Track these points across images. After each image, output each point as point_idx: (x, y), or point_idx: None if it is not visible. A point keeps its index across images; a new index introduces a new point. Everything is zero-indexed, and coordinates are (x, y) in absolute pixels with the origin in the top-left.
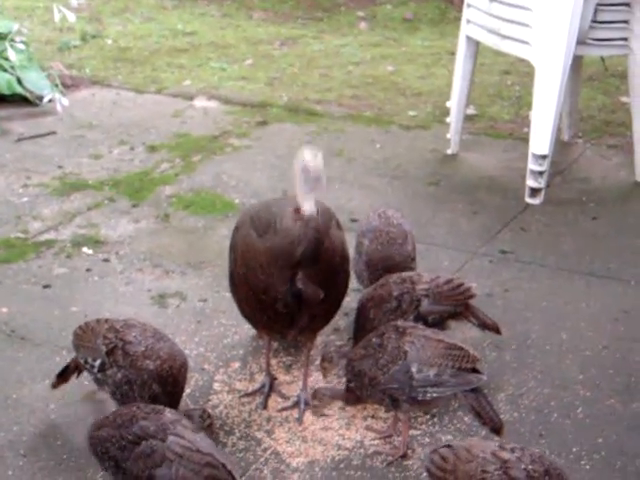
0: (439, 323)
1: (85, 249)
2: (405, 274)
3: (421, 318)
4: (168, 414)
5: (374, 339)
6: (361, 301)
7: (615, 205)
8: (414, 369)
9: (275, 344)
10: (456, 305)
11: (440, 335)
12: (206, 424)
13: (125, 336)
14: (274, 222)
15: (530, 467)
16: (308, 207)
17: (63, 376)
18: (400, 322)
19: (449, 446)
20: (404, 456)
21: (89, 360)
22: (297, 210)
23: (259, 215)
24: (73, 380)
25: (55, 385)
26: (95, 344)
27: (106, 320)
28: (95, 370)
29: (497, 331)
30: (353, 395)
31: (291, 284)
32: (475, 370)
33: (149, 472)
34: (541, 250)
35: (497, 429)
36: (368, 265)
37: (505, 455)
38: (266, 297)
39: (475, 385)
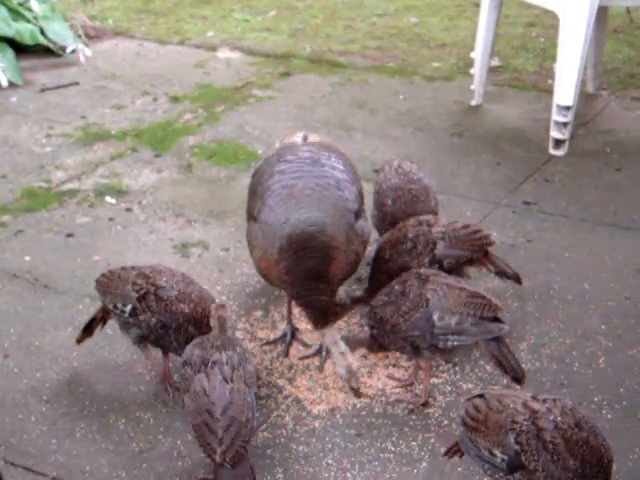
0: (455, 268)
1: (108, 198)
2: (422, 217)
3: (436, 262)
4: (223, 354)
5: (396, 286)
6: (379, 243)
7: (639, 157)
8: (435, 317)
9: None
10: (473, 251)
11: (462, 283)
12: None
13: (156, 281)
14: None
15: (559, 419)
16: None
17: (88, 330)
18: (423, 270)
19: (482, 396)
20: (425, 404)
21: (119, 306)
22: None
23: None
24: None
25: (80, 340)
26: (124, 290)
27: (132, 267)
28: (126, 315)
29: (517, 280)
30: (376, 343)
31: None
32: (497, 319)
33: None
34: (564, 201)
35: (518, 378)
36: (393, 225)
37: (536, 406)
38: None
39: (497, 334)
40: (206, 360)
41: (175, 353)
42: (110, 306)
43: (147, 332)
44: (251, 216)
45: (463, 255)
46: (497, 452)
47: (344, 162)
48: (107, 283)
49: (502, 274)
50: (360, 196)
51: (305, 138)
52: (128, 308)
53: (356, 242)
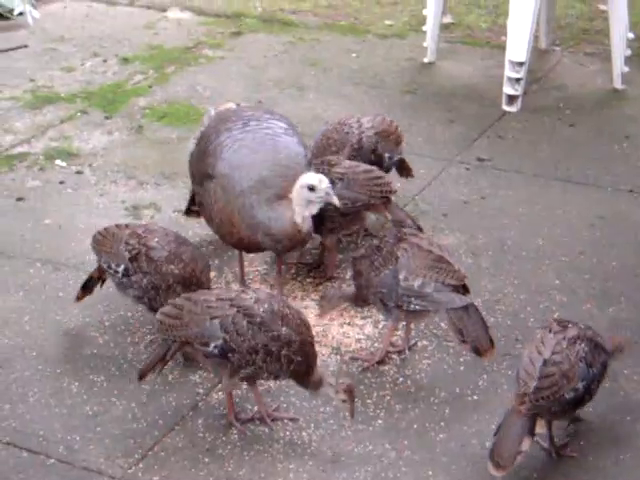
0: (353, 212)
1: (58, 162)
2: (327, 157)
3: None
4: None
5: (375, 240)
6: None
7: (592, 112)
8: (401, 276)
9: (250, 254)
10: (371, 196)
11: (434, 246)
12: None
13: (148, 241)
14: (268, 221)
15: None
16: (306, 226)
17: (87, 287)
18: (407, 229)
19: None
20: (381, 362)
21: (112, 265)
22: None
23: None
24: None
25: (80, 297)
26: (117, 250)
27: (127, 225)
28: (119, 275)
29: (419, 228)
30: (360, 297)
31: None
32: (465, 287)
33: None
34: (518, 157)
35: (478, 351)
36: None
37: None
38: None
39: (458, 305)
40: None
41: None
42: (105, 266)
43: (141, 293)
44: (205, 175)
45: (359, 198)
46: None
47: (284, 118)
48: (102, 241)
49: (399, 224)
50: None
51: (238, 105)
52: (121, 268)
53: None
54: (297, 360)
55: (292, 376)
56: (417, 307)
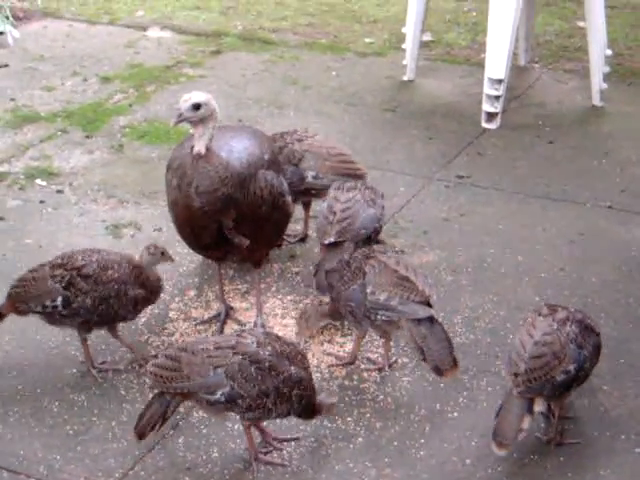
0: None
1: (39, 181)
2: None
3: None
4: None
5: (346, 255)
6: None
7: (571, 129)
8: (368, 290)
9: (231, 272)
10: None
11: (400, 265)
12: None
13: (74, 264)
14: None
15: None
16: (197, 147)
17: None
18: (376, 246)
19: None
20: (350, 364)
21: (47, 303)
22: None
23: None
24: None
25: None
26: (45, 287)
27: (41, 265)
28: (59, 308)
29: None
30: (337, 311)
31: (218, 233)
32: (428, 304)
33: None
34: (497, 174)
35: (439, 370)
36: None
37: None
38: (198, 242)
39: (421, 316)
40: None
41: (128, 320)
42: (38, 309)
43: (88, 315)
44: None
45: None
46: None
47: (253, 129)
48: (23, 291)
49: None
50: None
51: None
52: (59, 301)
53: (263, 190)
54: (307, 395)
55: (300, 412)
56: (383, 318)
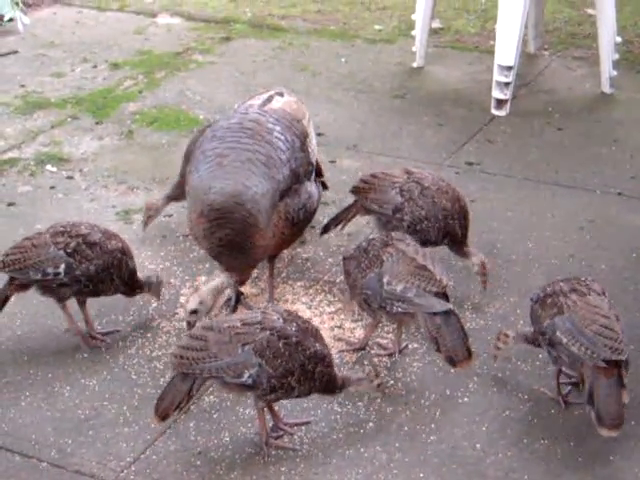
0: None
1: (49, 167)
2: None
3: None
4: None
5: (363, 243)
6: None
7: (580, 116)
8: (385, 280)
9: None
10: None
11: (419, 254)
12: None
13: (79, 231)
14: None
15: None
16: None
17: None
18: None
19: None
20: (361, 349)
21: (49, 271)
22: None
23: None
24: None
25: None
26: (47, 254)
27: (37, 233)
28: (61, 276)
29: None
30: (351, 295)
31: None
32: (445, 296)
33: None
34: (507, 161)
35: (453, 360)
36: None
37: None
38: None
39: (438, 310)
40: None
41: (123, 293)
42: (38, 276)
43: (86, 283)
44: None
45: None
46: None
47: (288, 137)
48: (22, 257)
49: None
50: (293, 176)
51: (269, 99)
52: (62, 268)
53: (279, 221)
54: (328, 373)
55: (322, 389)
56: (399, 309)
